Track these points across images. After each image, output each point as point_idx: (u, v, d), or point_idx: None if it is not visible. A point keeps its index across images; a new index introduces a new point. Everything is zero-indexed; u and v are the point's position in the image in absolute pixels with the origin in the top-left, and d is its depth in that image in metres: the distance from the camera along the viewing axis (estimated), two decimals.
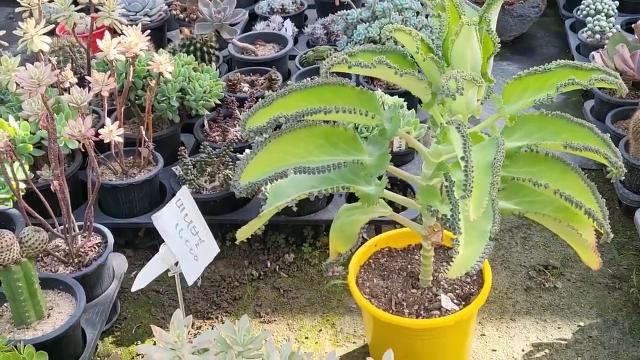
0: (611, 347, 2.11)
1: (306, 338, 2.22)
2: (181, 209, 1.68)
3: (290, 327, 2.26)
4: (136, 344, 2.21)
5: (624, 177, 1.64)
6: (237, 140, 2.64)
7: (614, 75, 1.64)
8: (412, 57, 1.65)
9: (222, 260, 2.48)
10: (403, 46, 1.65)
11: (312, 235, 2.52)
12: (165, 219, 1.64)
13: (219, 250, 1.79)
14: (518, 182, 1.69)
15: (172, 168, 2.54)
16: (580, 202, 1.65)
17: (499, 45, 1.58)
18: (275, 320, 2.28)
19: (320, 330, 2.24)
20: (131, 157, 2.55)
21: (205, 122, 2.73)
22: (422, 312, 1.87)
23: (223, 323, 2.27)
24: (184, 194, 1.70)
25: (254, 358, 1.65)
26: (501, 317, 2.23)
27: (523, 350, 2.12)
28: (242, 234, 1.79)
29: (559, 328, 2.18)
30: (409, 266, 2.00)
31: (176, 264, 1.69)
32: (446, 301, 1.87)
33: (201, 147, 2.53)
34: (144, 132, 2.42)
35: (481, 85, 1.48)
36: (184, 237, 1.68)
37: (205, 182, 2.49)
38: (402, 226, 2.06)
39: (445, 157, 1.64)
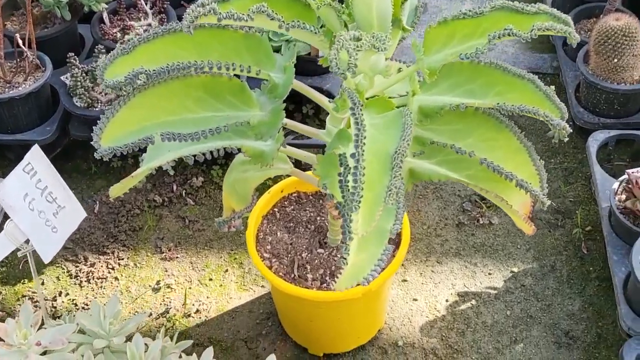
0: (545, 298, 1.90)
1: (210, 280, 1.99)
2: (31, 175, 1.37)
3: (193, 266, 2.02)
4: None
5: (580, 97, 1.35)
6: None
7: (564, 21, 1.31)
8: None
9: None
10: None
11: (223, 155, 2.21)
12: (9, 191, 1.34)
13: (85, 214, 1.50)
14: (438, 146, 1.40)
15: (62, 77, 2.18)
16: (510, 173, 1.37)
17: None
18: (177, 257, 2.04)
19: (227, 270, 2.01)
20: (15, 60, 2.18)
21: (105, 15, 2.34)
22: (327, 277, 1.63)
23: (120, 260, 2.04)
24: (34, 155, 1.39)
25: (121, 351, 1.42)
26: (427, 259, 2.01)
27: (447, 301, 1.91)
28: (115, 191, 1.50)
29: (489, 274, 1.96)
30: (318, 218, 1.73)
31: (27, 241, 1.41)
32: None
33: (95, 49, 2.17)
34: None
35: (386, 48, 1.15)
36: (37, 208, 1.38)
37: (100, 94, 2.15)
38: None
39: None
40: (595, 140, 2.07)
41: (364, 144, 1.09)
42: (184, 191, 2.18)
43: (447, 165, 1.48)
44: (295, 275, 1.63)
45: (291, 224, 1.73)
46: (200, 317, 1.90)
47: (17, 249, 1.40)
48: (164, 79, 1.31)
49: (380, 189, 1.09)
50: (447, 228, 2.08)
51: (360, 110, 1.14)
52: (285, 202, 1.78)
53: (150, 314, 1.92)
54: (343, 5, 1.23)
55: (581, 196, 2.14)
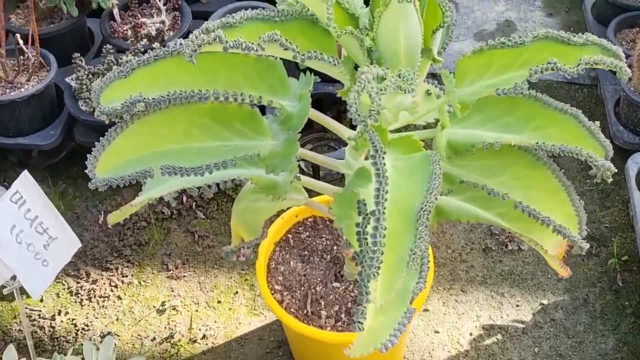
0: (576, 335, 1.77)
1: (218, 302, 1.87)
2: (20, 205, 1.26)
3: (201, 286, 1.90)
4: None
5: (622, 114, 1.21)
6: (154, 35, 2.15)
7: (614, 54, 1.16)
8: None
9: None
10: None
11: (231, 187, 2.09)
12: None
13: (80, 244, 1.39)
14: (468, 185, 1.26)
15: (67, 79, 2.06)
16: (548, 218, 1.24)
17: (450, 15, 1.09)
18: (184, 276, 1.92)
19: (236, 292, 1.89)
20: (17, 58, 2.06)
21: (115, 11, 2.21)
22: (342, 314, 1.50)
23: (124, 277, 1.92)
24: (23, 183, 1.27)
25: None
26: (450, 287, 1.87)
27: (471, 335, 1.78)
28: (114, 218, 1.38)
29: (517, 306, 1.83)
30: (335, 247, 1.60)
31: (14, 277, 1.29)
32: None
33: (104, 49, 2.05)
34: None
35: (414, 89, 1.01)
36: (25, 240, 1.27)
37: None
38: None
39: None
40: (635, 163, 1.92)
41: (386, 200, 0.96)
42: (194, 203, 2.06)
43: (477, 203, 1.35)
44: (308, 312, 1.50)
45: (305, 253, 1.60)
46: (206, 344, 1.79)
47: (3, 286, 1.29)
48: (165, 106, 1.18)
49: (402, 251, 0.96)
50: (473, 253, 1.94)
51: (382, 159, 1.00)
52: (300, 228, 1.65)
53: (154, 339, 1.80)
54: (366, 34, 1.09)
55: (618, 222, 1.99)
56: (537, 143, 1.19)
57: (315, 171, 2.03)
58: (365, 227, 1.02)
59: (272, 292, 1.53)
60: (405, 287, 1.04)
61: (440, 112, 1.23)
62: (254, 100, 1.16)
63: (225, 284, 1.90)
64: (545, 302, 1.83)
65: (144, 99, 1.14)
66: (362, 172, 1.14)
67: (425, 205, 0.98)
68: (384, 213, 0.95)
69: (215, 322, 1.83)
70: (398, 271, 0.95)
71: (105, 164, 1.19)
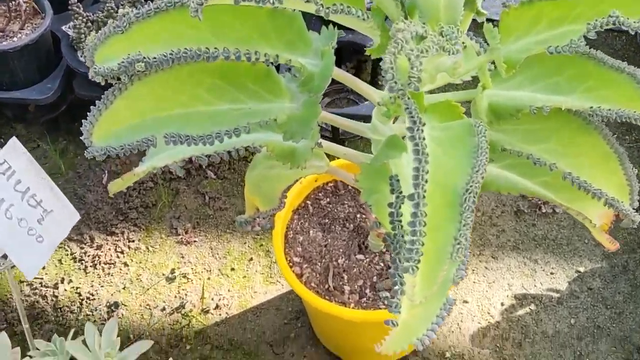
0: (615, 305, 1.64)
1: (232, 270, 1.75)
2: (8, 176, 1.12)
3: (213, 252, 1.78)
4: None
5: None
6: None
7: None
8: None
9: None
10: None
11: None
12: None
13: (79, 217, 1.26)
14: (510, 154, 1.12)
15: (64, 27, 1.91)
16: (600, 191, 1.10)
17: None
18: (195, 241, 1.80)
19: (251, 259, 1.77)
20: (7, 4, 1.90)
21: None
22: (367, 289, 1.38)
23: (130, 242, 1.81)
24: (11, 151, 1.13)
25: None
26: (480, 253, 1.75)
27: (502, 305, 1.66)
28: (115, 187, 1.25)
29: (551, 274, 1.70)
30: (358, 216, 1.47)
31: (4, 256, 1.17)
32: None
33: None
34: None
35: (459, 50, 0.86)
36: (16, 215, 1.14)
37: None
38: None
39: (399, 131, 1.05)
40: None
41: (426, 181, 0.82)
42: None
43: (517, 170, 1.21)
44: (329, 287, 1.38)
45: (326, 221, 1.47)
46: (220, 314, 1.68)
47: None
48: (168, 66, 1.04)
49: (445, 240, 0.82)
50: (504, 216, 1.81)
51: (422, 132, 0.86)
52: (320, 194, 1.52)
53: (164, 309, 1.69)
54: None
55: None
56: (592, 108, 1.05)
57: (334, 130, 1.88)
58: (399, 207, 0.88)
59: (291, 264, 1.40)
60: (445, 277, 0.91)
61: (481, 72, 1.08)
62: (270, 59, 1.02)
63: (238, 250, 1.78)
64: (581, 269, 1.71)
65: (144, 58, 0.99)
66: (394, 142, 0.99)
67: (471, 186, 0.84)
68: (424, 197, 0.81)
69: (228, 291, 1.72)
70: (440, 264, 0.81)
71: (103, 131, 1.05)
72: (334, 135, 1.87)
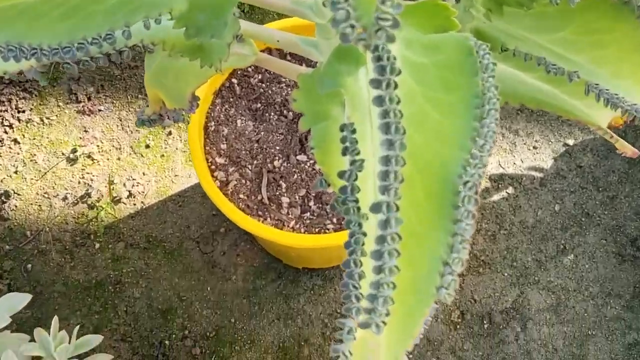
0: (607, 187, 1.38)
1: (147, 147, 1.43)
2: None
3: (123, 125, 1.45)
4: None
5: None
6: None
7: None
8: None
9: None
10: None
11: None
12: None
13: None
14: (516, 57, 0.79)
15: None
16: (633, 105, 0.79)
17: None
18: (100, 111, 1.45)
19: (170, 132, 1.45)
20: None
21: None
22: (310, 202, 1.08)
23: (20, 113, 1.45)
24: None
25: None
26: None
27: None
28: None
29: (534, 148, 1.42)
30: None
31: None
32: None
33: None
34: None
35: None
36: None
37: None
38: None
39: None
40: None
41: (399, 161, 0.49)
42: None
43: (514, 63, 0.89)
44: (263, 198, 1.08)
45: (258, 106, 1.14)
46: (134, 204, 1.38)
47: None
48: None
49: (428, 264, 0.52)
50: None
51: (390, 53, 0.51)
52: (249, 69, 1.17)
53: (65, 198, 1.38)
54: None
55: None
56: None
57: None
58: (353, 178, 0.56)
59: (213, 168, 1.09)
60: (423, 290, 0.61)
61: None
62: None
63: None
64: (570, 142, 1.42)
65: None
66: (345, 54, 0.65)
67: (473, 172, 0.52)
68: (396, 194, 0.49)
69: (143, 174, 1.40)
70: (420, 310, 0.51)
71: None
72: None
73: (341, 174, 0.55)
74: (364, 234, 0.52)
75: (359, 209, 0.53)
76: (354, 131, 0.57)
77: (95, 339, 0.93)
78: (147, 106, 1.04)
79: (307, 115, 0.70)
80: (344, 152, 0.56)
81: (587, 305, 1.30)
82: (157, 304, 1.31)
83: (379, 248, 0.48)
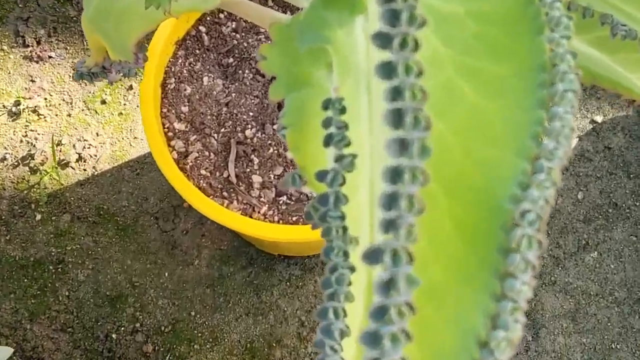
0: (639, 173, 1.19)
1: (103, 103, 1.22)
2: None
3: None
4: None
5: None
6: None
7: None
8: None
9: None
10: None
11: None
12: None
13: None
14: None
15: None
16: None
17: None
18: (51, 58, 1.24)
19: (131, 86, 1.23)
20: None
21: None
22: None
23: None
24: None
25: None
26: None
27: None
28: None
29: None
30: None
31: None
32: None
33: None
34: None
35: None
36: None
37: None
38: None
39: None
40: None
41: (420, 174, 0.29)
42: None
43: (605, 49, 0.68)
44: (230, 176, 0.87)
45: (230, 61, 0.92)
46: (84, 170, 1.17)
47: None
48: None
49: (455, 347, 0.31)
50: None
51: None
52: (221, 15, 0.95)
53: (4, 158, 1.17)
54: None
55: None
56: None
57: None
58: (337, 182, 0.35)
59: (170, 135, 0.88)
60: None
61: None
62: None
63: None
64: (598, 119, 1.22)
65: None
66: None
67: (539, 186, 0.31)
68: (410, 234, 0.29)
69: (97, 135, 1.19)
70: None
71: None
72: None
73: (321, 175, 0.35)
74: (351, 269, 0.32)
75: (344, 229, 0.34)
76: (342, 110, 0.38)
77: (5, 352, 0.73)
78: (89, 56, 0.83)
79: (280, 79, 0.48)
80: (327, 141, 0.37)
81: (611, 313, 1.10)
82: (105, 290, 1.11)
83: (376, 328, 0.28)
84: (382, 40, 0.27)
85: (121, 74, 0.81)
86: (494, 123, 0.35)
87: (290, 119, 0.45)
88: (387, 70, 0.28)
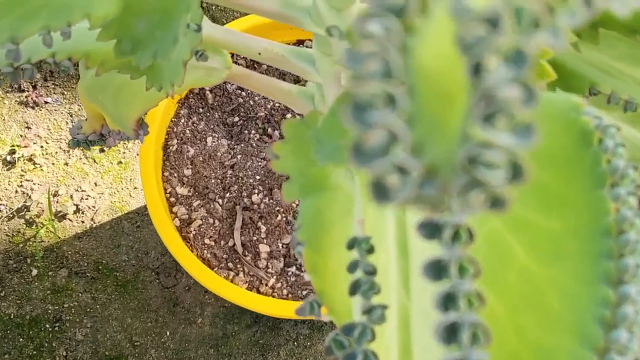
0: None
1: (102, 151, 1.17)
2: None
3: (74, 121, 1.18)
4: None
5: None
6: None
7: None
8: None
9: None
10: None
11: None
12: None
13: None
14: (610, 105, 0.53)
15: None
16: None
17: None
18: (47, 104, 1.19)
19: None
20: None
21: None
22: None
23: None
24: None
25: None
26: None
27: None
28: None
29: None
30: (289, 116, 0.88)
31: None
32: None
33: None
34: None
35: None
36: None
37: None
38: None
39: None
40: None
41: None
42: None
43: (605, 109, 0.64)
44: (235, 245, 0.82)
45: (236, 120, 0.88)
46: (82, 222, 1.12)
47: None
48: None
49: None
50: None
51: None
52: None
53: None
54: None
55: None
56: None
57: None
58: (365, 337, 0.31)
59: (172, 200, 0.83)
60: None
61: None
62: None
63: None
64: None
65: None
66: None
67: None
68: None
69: (96, 184, 1.15)
70: None
71: None
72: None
73: (347, 329, 0.30)
74: None
75: None
76: (370, 250, 0.33)
77: None
78: (86, 120, 0.79)
79: (293, 179, 0.44)
80: (354, 288, 0.32)
81: None
82: (104, 350, 1.06)
83: None
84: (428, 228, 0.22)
85: (119, 140, 0.77)
86: (550, 295, 0.30)
87: (307, 234, 0.40)
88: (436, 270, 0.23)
